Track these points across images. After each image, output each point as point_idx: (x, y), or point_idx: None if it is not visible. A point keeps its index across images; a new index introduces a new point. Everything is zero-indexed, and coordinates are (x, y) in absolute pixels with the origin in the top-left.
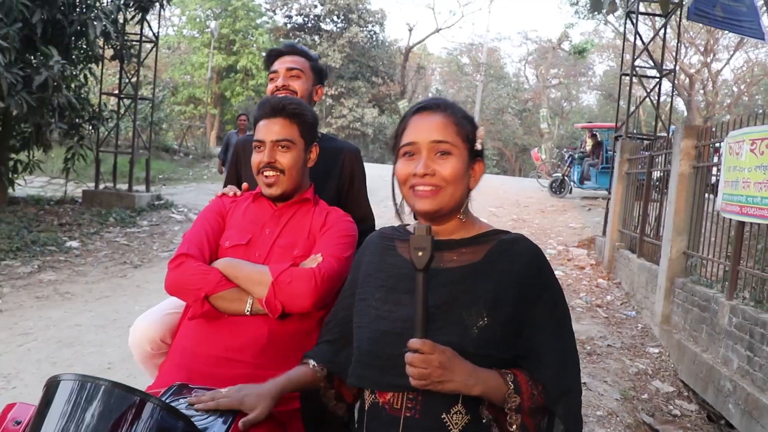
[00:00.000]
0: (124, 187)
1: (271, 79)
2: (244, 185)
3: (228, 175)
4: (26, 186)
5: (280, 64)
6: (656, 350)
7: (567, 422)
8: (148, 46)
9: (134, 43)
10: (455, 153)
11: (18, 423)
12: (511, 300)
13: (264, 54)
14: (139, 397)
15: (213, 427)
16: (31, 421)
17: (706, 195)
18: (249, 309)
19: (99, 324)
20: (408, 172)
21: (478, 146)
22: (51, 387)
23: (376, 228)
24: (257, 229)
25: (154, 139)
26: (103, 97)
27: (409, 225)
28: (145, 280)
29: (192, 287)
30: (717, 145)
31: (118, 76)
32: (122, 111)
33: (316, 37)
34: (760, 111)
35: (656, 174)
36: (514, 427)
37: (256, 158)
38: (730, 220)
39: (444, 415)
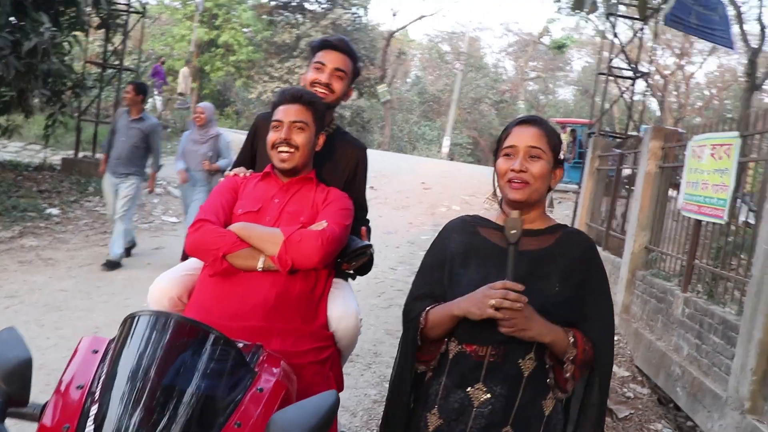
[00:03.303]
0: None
1: (316, 69)
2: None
3: (243, 149)
4: (1, 150)
5: (330, 61)
6: (615, 338)
7: (601, 374)
8: (134, 16)
9: (121, 13)
10: (543, 158)
11: (95, 352)
12: (576, 276)
13: (316, 42)
14: (204, 328)
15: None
16: (111, 349)
17: (671, 193)
18: (261, 265)
19: (83, 290)
20: (507, 167)
21: (561, 156)
22: (129, 321)
23: (368, 219)
24: (267, 199)
25: None
26: (86, 65)
27: (484, 216)
28: None
29: (211, 248)
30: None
31: (102, 45)
32: (105, 81)
33: (300, 16)
34: (729, 116)
35: (626, 171)
36: (568, 374)
37: (273, 136)
38: (689, 218)
39: (520, 361)
